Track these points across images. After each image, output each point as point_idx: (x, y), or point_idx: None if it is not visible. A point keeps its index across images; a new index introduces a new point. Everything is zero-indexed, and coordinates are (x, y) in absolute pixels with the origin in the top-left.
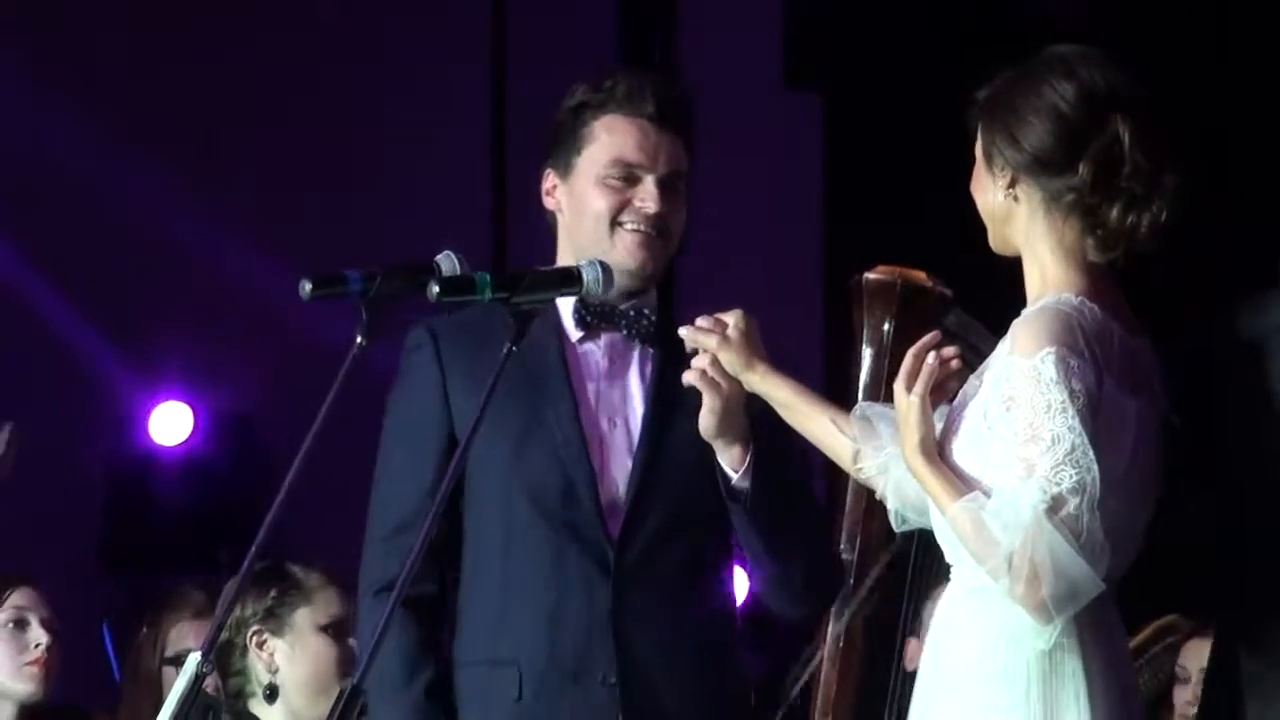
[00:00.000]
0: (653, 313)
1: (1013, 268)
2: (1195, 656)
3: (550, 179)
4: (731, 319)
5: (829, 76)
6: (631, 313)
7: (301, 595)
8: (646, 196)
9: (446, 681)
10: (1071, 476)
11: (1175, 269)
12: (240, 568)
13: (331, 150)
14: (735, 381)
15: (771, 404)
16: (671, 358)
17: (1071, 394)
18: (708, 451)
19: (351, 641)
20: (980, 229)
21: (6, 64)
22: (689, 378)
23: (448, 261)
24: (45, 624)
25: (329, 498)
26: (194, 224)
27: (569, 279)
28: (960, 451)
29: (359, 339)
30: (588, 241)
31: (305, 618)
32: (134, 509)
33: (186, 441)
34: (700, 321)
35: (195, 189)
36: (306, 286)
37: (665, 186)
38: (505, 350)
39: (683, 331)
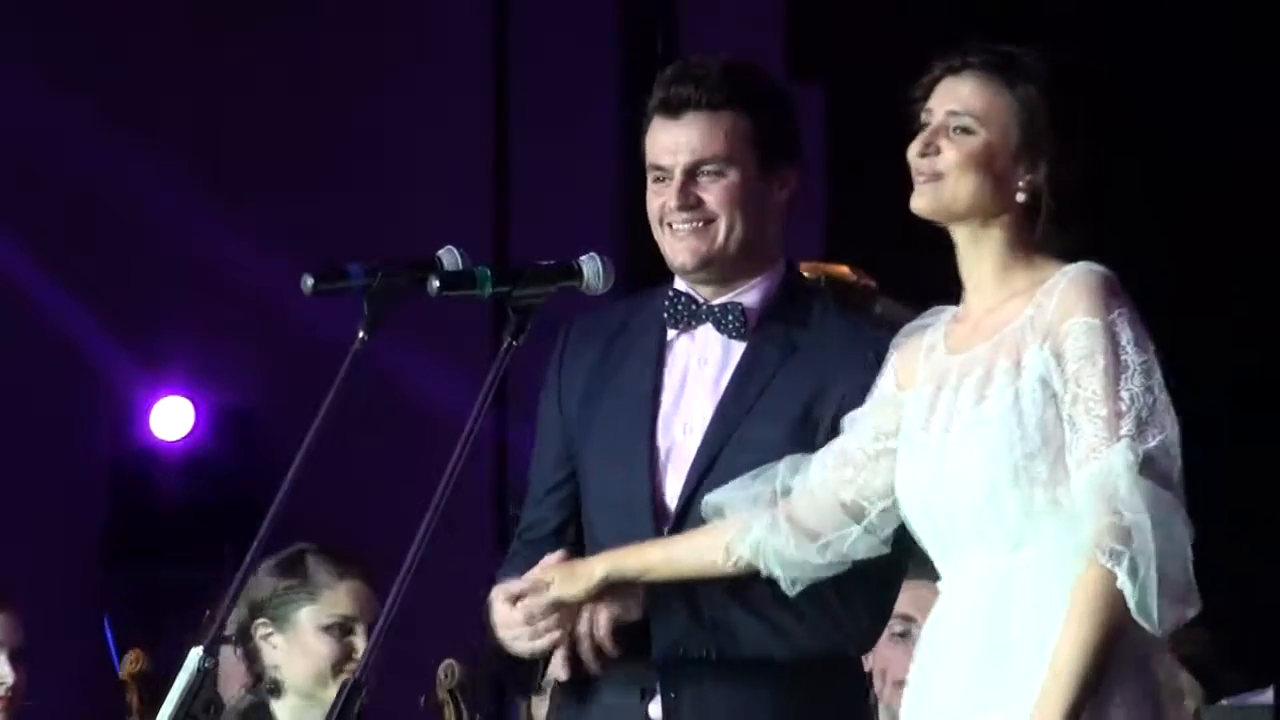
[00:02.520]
0: (745, 308)
1: None
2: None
3: None
4: (535, 574)
5: (831, 69)
6: (718, 309)
7: (307, 593)
8: (670, 193)
9: None
10: (1156, 435)
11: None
12: (243, 562)
13: (334, 146)
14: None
15: (633, 579)
16: (758, 356)
17: (1153, 352)
18: (780, 455)
19: (355, 639)
20: None
21: (13, 59)
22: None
23: (449, 256)
24: (12, 656)
25: (331, 492)
26: (196, 219)
27: (568, 273)
28: (1041, 442)
29: (361, 333)
30: (659, 244)
31: (308, 616)
32: (136, 504)
33: (188, 436)
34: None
35: (198, 184)
36: (309, 281)
37: (693, 175)
38: (505, 346)
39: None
